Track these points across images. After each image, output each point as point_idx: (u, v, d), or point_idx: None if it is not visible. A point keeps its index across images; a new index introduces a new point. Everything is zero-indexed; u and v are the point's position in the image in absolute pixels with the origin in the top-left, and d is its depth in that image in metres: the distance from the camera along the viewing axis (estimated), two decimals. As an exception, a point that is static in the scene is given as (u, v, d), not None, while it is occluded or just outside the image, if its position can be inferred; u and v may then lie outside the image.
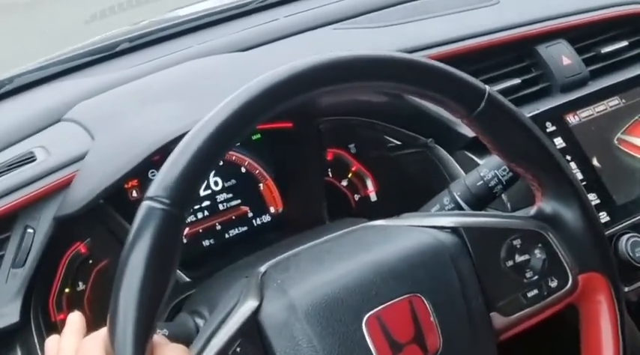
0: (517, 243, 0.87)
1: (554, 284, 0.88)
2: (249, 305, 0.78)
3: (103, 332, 0.73)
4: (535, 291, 0.87)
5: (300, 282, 0.81)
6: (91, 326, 1.01)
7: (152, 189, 0.72)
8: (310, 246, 0.87)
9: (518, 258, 0.87)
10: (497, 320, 0.86)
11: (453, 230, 0.87)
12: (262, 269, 0.84)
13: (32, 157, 1.03)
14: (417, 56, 0.86)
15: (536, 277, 0.87)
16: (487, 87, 0.84)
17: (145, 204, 0.72)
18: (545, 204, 0.90)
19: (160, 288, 0.71)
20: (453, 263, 0.84)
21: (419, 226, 0.88)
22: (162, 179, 0.72)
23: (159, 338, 0.75)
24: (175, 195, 0.72)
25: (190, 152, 0.73)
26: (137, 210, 0.72)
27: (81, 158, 1.00)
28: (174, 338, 0.83)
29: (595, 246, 0.90)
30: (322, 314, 0.78)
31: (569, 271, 0.89)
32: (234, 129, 0.75)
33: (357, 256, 0.84)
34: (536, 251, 0.88)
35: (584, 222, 0.89)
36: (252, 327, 0.77)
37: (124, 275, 0.70)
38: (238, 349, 0.76)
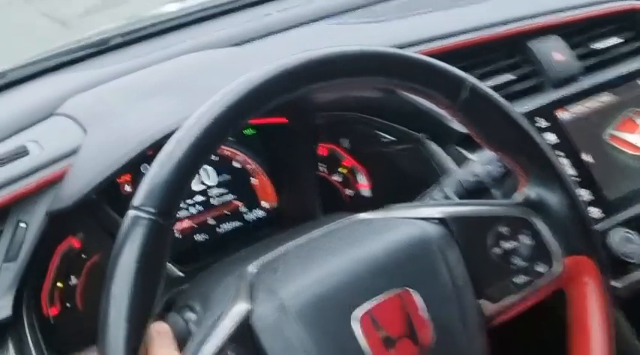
0: (503, 230, 0.88)
1: (541, 269, 0.89)
2: (239, 309, 0.78)
3: None
4: (523, 277, 0.88)
5: (290, 283, 0.80)
6: (83, 320, 1.02)
7: (137, 198, 0.72)
8: (298, 243, 0.87)
9: (505, 245, 0.88)
10: (487, 307, 0.86)
11: (440, 220, 0.87)
12: (251, 269, 0.84)
13: (25, 152, 1.02)
14: (400, 50, 0.86)
15: (523, 263, 0.88)
16: (469, 76, 0.84)
17: (131, 213, 0.72)
18: (530, 190, 0.90)
19: (148, 297, 0.72)
20: (441, 254, 0.84)
21: (405, 218, 0.88)
22: (147, 188, 0.72)
23: (151, 341, 0.75)
24: (161, 203, 0.72)
25: (174, 160, 0.73)
26: (123, 219, 0.73)
27: (73, 152, 1.00)
28: None
29: (580, 229, 0.91)
30: (313, 314, 0.78)
31: (555, 255, 0.89)
32: (217, 134, 0.75)
33: (345, 252, 0.84)
34: (523, 237, 0.89)
35: (568, 206, 0.90)
36: (244, 331, 0.77)
37: (112, 286, 0.71)
38: (230, 353, 0.76)
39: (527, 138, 0.88)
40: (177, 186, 0.73)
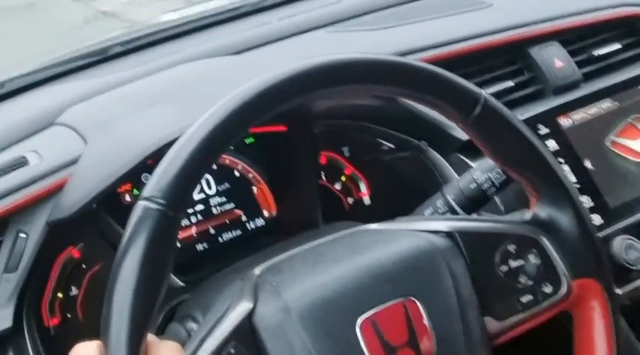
0: (511, 248, 0.87)
1: (548, 289, 0.88)
2: (243, 307, 0.78)
3: (95, 342, 0.72)
4: (529, 297, 0.87)
5: (295, 285, 0.81)
6: (84, 331, 1.01)
7: (147, 190, 0.72)
8: (305, 249, 0.87)
9: (513, 263, 0.87)
10: (491, 324, 0.86)
11: (448, 234, 0.87)
12: (257, 271, 0.84)
13: (24, 162, 1.02)
14: (411, 59, 0.86)
15: (530, 282, 0.87)
16: (483, 91, 0.84)
17: (141, 204, 0.72)
18: (540, 210, 0.90)
19: (154, 289, 0.71)
20: (447, 266, 0.84)
21: (413, 230, 0.88)
22: (158, 180, 0.72)
23: (152, 337, 0.75)
24: (171, 196, 0.72)
25: (186, 153, 0.73)
26: (132, 210, 0.72)
27: (74, 162, 1.00)
28: None
29: (589, 252, 0.90)
30: (316, 317, 0.78)
31: (563, 277, 0.89)
32: (228, 132, 0.75)
33: (351, 259, 0.83)
34: (531, 256, 0.88)
35: (578, 227, 0.89)
36: (246, 329, 0.77)
37: (119, 276, 0.70)
38: (232, 350, 0.76)
39: (539, 157, 0.88)
40: (188, 179, 0.73)
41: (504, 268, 0.87)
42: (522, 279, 0.87)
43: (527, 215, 0.90)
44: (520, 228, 0.89)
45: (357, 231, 0.90)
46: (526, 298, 0.87)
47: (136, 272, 0.70)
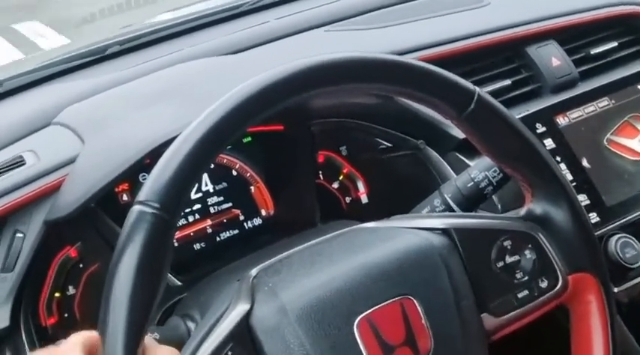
0: (507, 243, 0.87)
1: (544, 284, 0.88)
2: (240, 309, 0.78)
3: (83, 335, 0.72)
4: (525, 292, 0.87)
5: (292, 285, 0.80)
6: (81, 330, 1.01)
7: (143, 194, 0.72)
8: (301, 248, 0.87)
9: (509, 259, 0.87)
10: (488, 321, 0.86)
11: (444, 231, 0.87)
12: (254, 272, 0.83)
13: (22, 161, 1.02)
14: (405, 58, 0.86)
15: (526, 278, 0.88)
16: (477, 88, 0.84)
17: (136, 208, 0.72)
18: (535, 205, 0.90)
19: (151, 292, 0.71)
20: (443, 264, 0.84)
21: (409, 228, 0.88)
22: (153, 183, 0.72)
23: (150, 340, 0.75)
24: (166, 199, 0.72)
25: (180, 156, 0.73)
26: (127, 214, 0.72)
27: (71, 162, 1.00)
28: (165, 341, 0.82)
29: (585, 246, 0.90)
30: (314, 318, 0.78)
31: (559, 272, 0.89)
32: (224, 133, 0.75)
33: (348, 258, 0.83)
34: (527, 252, 0.88)
35: (574, 222, 0.89)
36: (244, 331, 0.77)
37: (115, 280, 0.70)
38: (230, 352, 0.76)
39: (533, 152, 0.88)
40: (183, 182, 0.73)
41: (500, 264, 0.87)
42: (518, 275, 0.87)
43: (523, 210, 0.91)
44: (515, 223, 0.89)
45: (354, 230, 0.90)
46: (522, 293, 0.87)
47: (132, 278, 0.70)
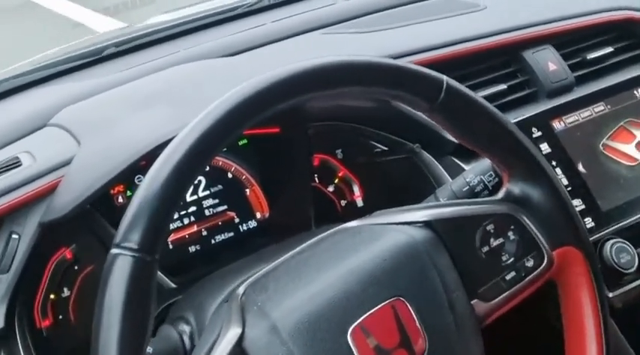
0: (490, 228, 0.88)
1: (530, 263, 0.89)
2: (232, 334, 0.77)
3: None
4: (513, 273, 0.88)
5: (281, 302, 0.79)
6: (76, 332, 1.01)
7: (119, 236, 0.70)
8: (287, 258, 0.86)
9: (493, 243, 0.88)
10: (479, 306, 0.86)
11: (426, 224, 0.87)
12: (241, 290, 0.82)
13: (17, 162, 1.02)
14: (375, 57, 0.85)
15: (512, 259, 0.88)
16: (445, 77, 0.84)
17: (114, 252, 0.70)
18: (513, 186, 0.91)
19: (139, 334, 0.70)
20: (430, 259, 0.84)
21: (392, 223, 0.88)
22: (129, 224, 0.70)
23: None
24: (144, 239, 0.70)
25: (154, 192, 0.71)
26: (107, 258, 0.70)
27: (67, 163, 1.00)
28: (158, 354, 0.82)
29: (565, 220, 0.91)
30: (306, 334, 0.77)
31: (543, 249, 0.90)
32: (198, 159, 0.73)
33: (335, 266, 0.83)
34: (510, 233, 0.89)
35: (552, 198, 0.90)
36: None
37: (101, 329, 0.69)
38: None
39: (508, 134, 0.88)
40: (160, 218, 0.71)
41: (485, 249, 0.87)
42: (504, 257, 0.88)
43: (501, 193, 0.91)
44: (496, 207, 0.90)
45: (338, 232, 0.89)
46: (510, 275, 0.88)
47: (118, 325, 0.68)
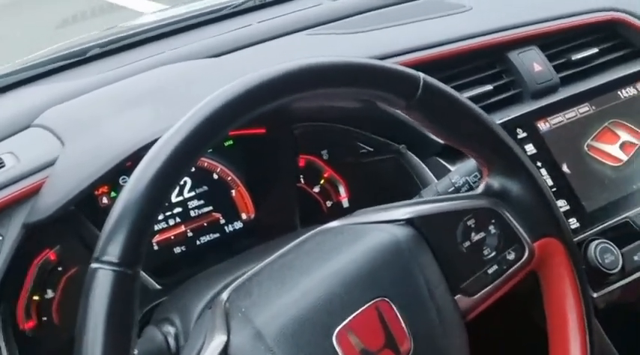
0: (471, 222, 0.88)
1: (511, 256, 0.90)
2: (217, 342, 0.77)
3: None
4: (495, 267, 0.89)
5: (265, 308, 0.79)
6: (60, 334, 1.00)
7: (99, 250, 0.69)
8: (271, 261, 0.85)
9: (475, 237, 0.88)
10: (462, 301, 0.87)
11: (408, 221, 0.87)
12: (225, 296, 0.82)
13: (1, 164, 1.02)
14: (350, 57, 0.83)
15: (494, 253, 0.89)
16: (421, 74, 0.84)
17: (94, 266, 0.69)
18: (493, 180, 0.91)
19: (123, 348, 0.69)
20: (412, 257, 0.84)
21: (373, 222, 0.88)
22: (108, 236, 0.69)
23: None
24: (124, 253, 0.68)
25: (133, 205, 0.69)
26: (88, 272, 0.69)
27: (51, 164, 0.99)
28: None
29: (545, 212, 0.91)
30: (291, 339, 0.77)
31: (524, 241, 0.90)
32: (181, 162, 0.72)
33: (318, 268, 0.82)
34: (491, 227, 0.89)
35: (531, 190, 0.90)
36: None
37: (83, 344, 0.68)
38: None
39: (486, 129, 0.88)
40: (139, 230, 0.69)
41: (467, 244, 0.88)
42: (486, 251, 0.89)
43: (481, 187, 0.91)
44: (476, 201, 0.90)
45: (320, 232, 0.89)
46: (492, 269, 0.89)
47: (101, 341, 0.67)
